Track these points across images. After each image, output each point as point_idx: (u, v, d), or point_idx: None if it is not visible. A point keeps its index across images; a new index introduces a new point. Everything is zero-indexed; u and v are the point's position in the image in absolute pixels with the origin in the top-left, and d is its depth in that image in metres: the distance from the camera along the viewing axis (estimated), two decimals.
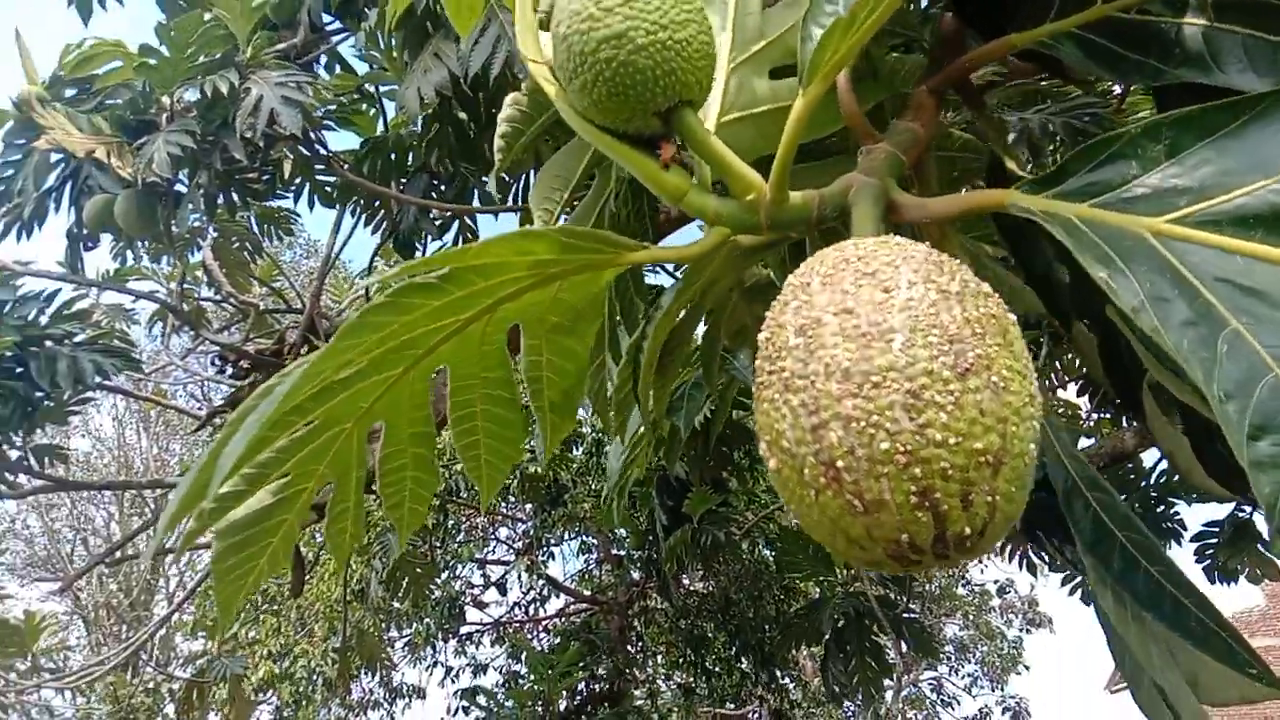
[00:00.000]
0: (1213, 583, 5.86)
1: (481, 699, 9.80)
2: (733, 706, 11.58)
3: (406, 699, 12.73)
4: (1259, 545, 5.50)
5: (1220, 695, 0.78)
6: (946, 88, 0.82)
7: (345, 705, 12.42)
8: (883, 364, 0.59)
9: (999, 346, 0.60)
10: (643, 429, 2.86)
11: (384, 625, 10.45)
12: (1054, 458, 0.68)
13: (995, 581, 17.29)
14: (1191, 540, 5.72)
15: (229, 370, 4.95)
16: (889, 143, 0.78)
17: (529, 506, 10.19)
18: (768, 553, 9.32)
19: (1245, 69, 0.65)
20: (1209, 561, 5.74)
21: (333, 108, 4.52)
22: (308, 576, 9.15)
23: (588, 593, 11.77)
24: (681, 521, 7.15)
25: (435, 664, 12.42)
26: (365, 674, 11.57)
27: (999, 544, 0.63)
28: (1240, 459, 0.50)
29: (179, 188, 4.52)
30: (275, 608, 10.03)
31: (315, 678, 9.29)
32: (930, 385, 0.58)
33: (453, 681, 12.41)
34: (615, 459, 3.05)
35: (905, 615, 6.66)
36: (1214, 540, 5.68)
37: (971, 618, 17.06)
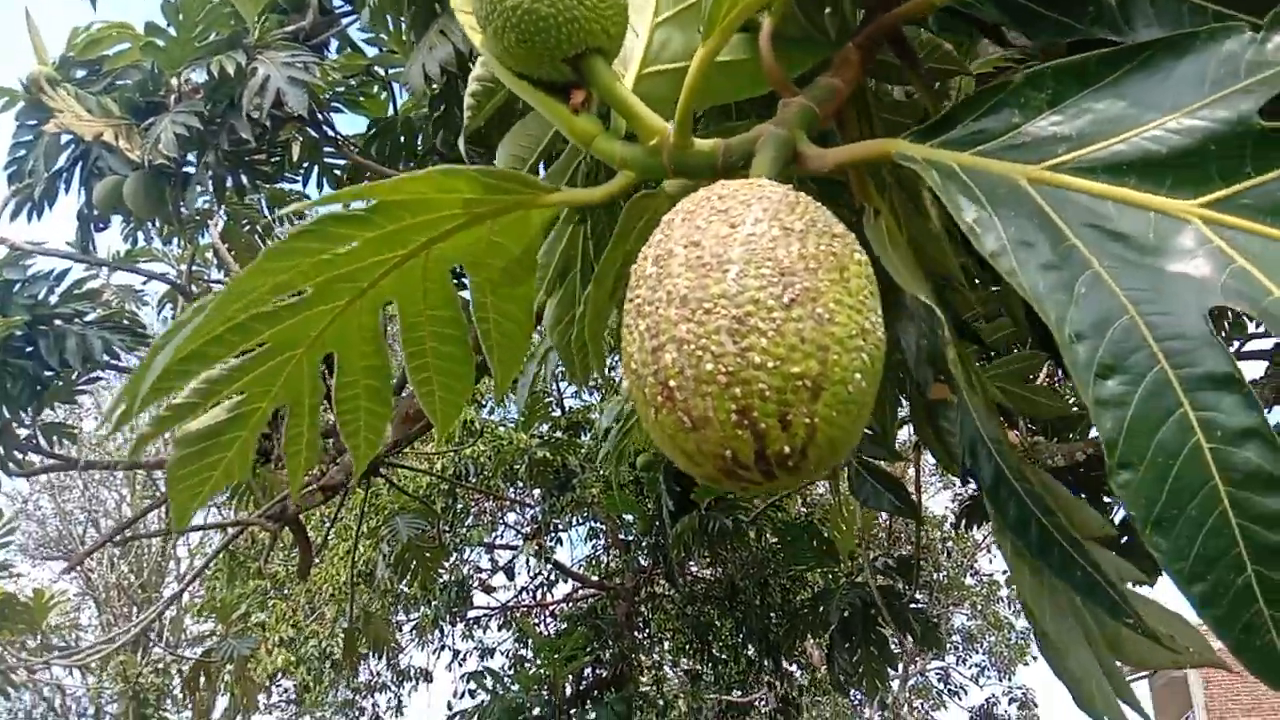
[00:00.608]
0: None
1: (488, 682, 9.85)
2: (739, 694, 11.62)
3: (413, 682, 12.84)
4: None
5: (1145, 657, 0.79)
6: (875, 43, 0.83)
7: (352, 688, 12.54)
8: (716, 292, 0.63)
9: (831, 282, 0.64)
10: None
11: (391, 608, 10.52)
12: (962, 408, 0.69)
13: (1004, 572, 17.23)
14: None
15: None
16: (805, 96, 0.80)
17: (537, 491, 10.24)
18: (775, 541, 9.33)
19: (1152, 25, 0.66)
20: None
21: (341, 90, 4.54)
22: (316, 560, 9.22)
23: (595, 578, 11.82)
24: (689, 508, 7.18)
25: (442, 647, 12.51)
26: (372, 657, 11.67)
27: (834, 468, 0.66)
28: (1085, 398, 0.51)
29: (187, 169, 4.56)
30: (285, 592, 10.12)
31: (325, 660, 9.37)
32: (755, 313, 0.62)
33: (459, 665, 12.51)
34: (607, 418, 3.06)
35: (911, 606, 6.67)
36: None
37: (979, 608, 17.03)
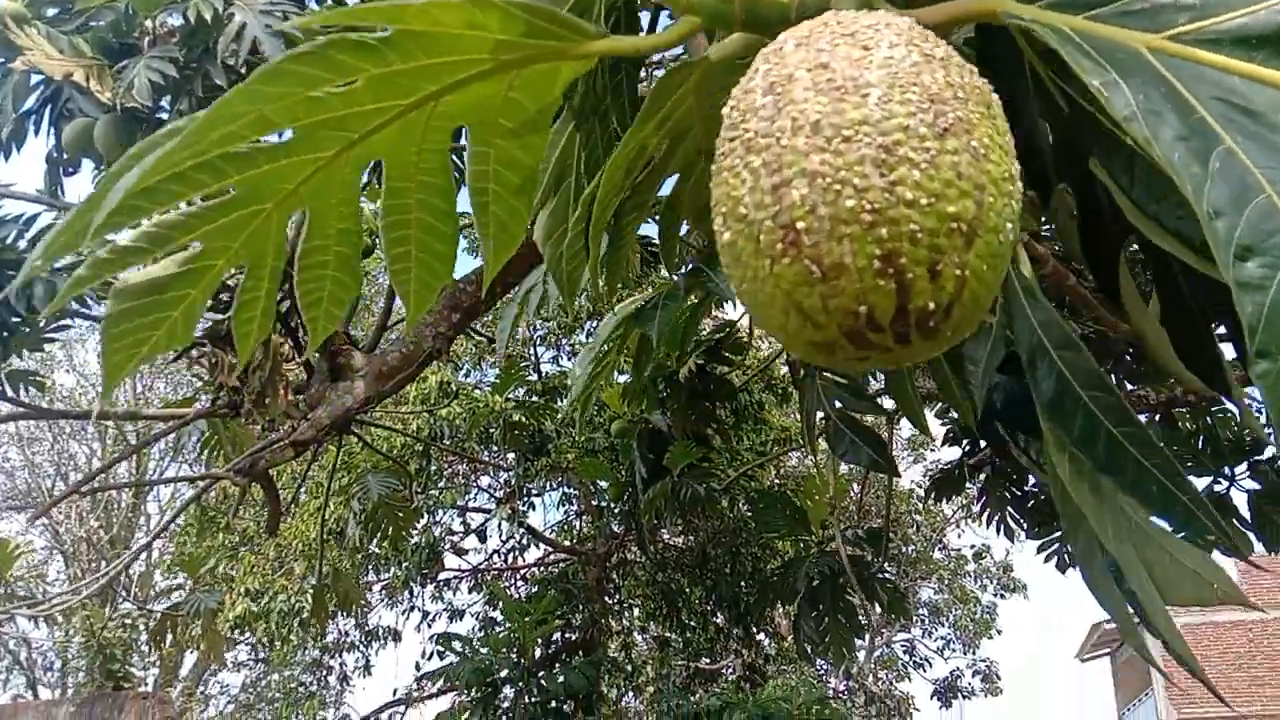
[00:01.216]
0: None
1: (457, 644, 9.86)
2: (708, 661, 11.71)
3: (382, 641, 12.84)
4: (1234, 520, 5.53)
5: (1175, 592, 0.76)
6: None
7: (320, 646, 12.52)
8: (856, 117, 0.55)
9: (981, 115, 0.57)
10: (609, 346, 2.83)
11: (361, 568, 10.49)
12: (1020, 314, 0.65)
13: (971, 547, 17.46)
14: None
15: (209, 302, 4.90)
16: None
17: (511, 455, 10.20)
18: (747, 510, 9.37)
19: None
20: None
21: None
22: (286, 516, 9.15)
23: (567, 544, 11.83)
24: (662, 474, 7.17)
25: (412, 608, 12.51)
26: (341, 616, 11.64)
27: (967, 334, 0.59)
28: (1226, 277, 0.47)
29: (160, 115, 4.44)
30: (255, 547, 10.06)
31: (292, 617, 9.34)
32: (905, 141, 0.54)
33: (428, 626, 12.52)
34: (580, 365, 3.02)
35: (879, 576, 6.71)
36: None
37: (946, 582, 17.24)
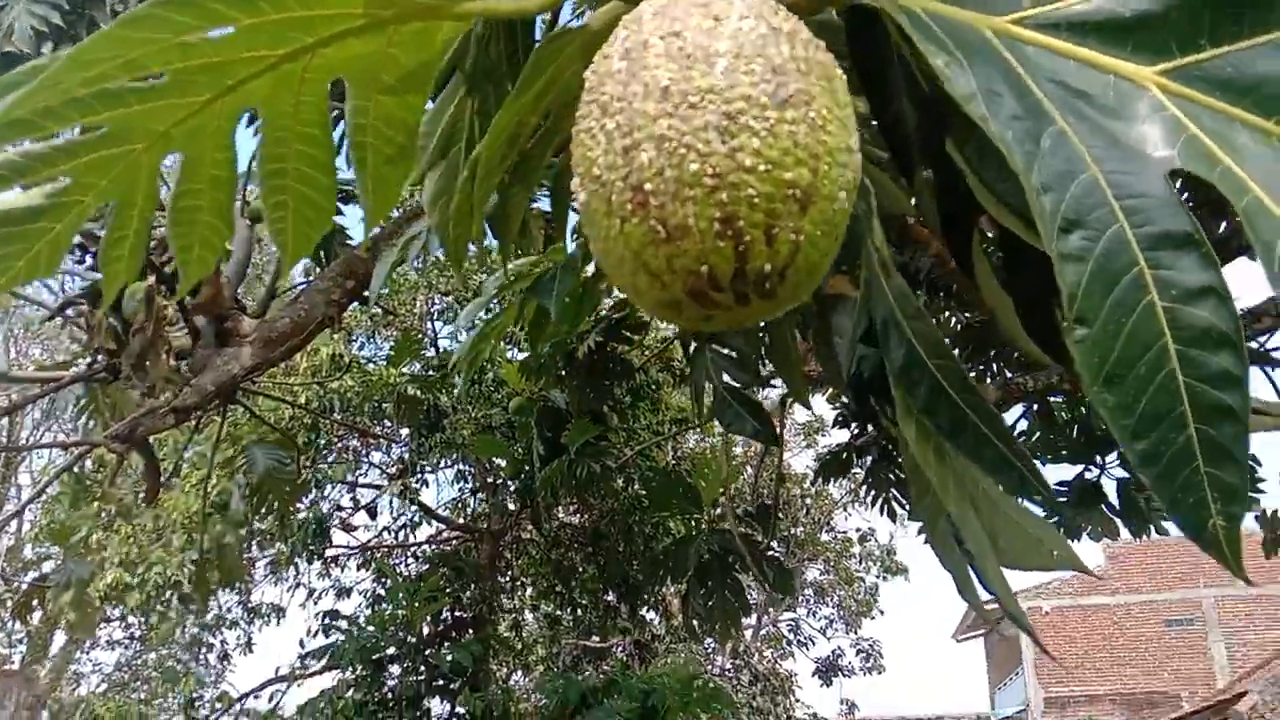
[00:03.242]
0: None
1: (343, 623, 9.69)
2: (597, 639, 11.79)
3: (265, 618, 12.54)
4: (1103, 507, 5.81)
5: (1017, 558, 0.80)
6: None
7: (200, 623, 12.16)
8: (702, 85, 0.58)
9: (822, 88, 0.60)
10: (499, 308, 2.81)
11: (245, 543, 10.20)
12: (877, 286, 0.68)
13: (857, 530, 17.98)
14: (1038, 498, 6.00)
15: (88, 260, 4.70)
16: None
17: (405, 431, 10.05)
18: (641, 489, 9.44)
19: None
20: (1057, 519, 6.04)
21: None
22: (166, 487, 8.84)
23: (460, 521, 11.73)
24: (559, 452, 7.16)
25: (297, 585, 12.25)
26: (223, 591, 11.32)
27: (802, 295, 0.62)
28: (1049, 249, 0.50)
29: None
30: (132, 518, 9.68)
31: (169, 591, 9.03)
32: (747, 110, 0.57)
33: (314, 603, 12.29)
34: (465, 319, 2.99)
35: (768, 555, 6.85)
36: (1063, 499, 5.96)
37: (832, 563, 17.72)
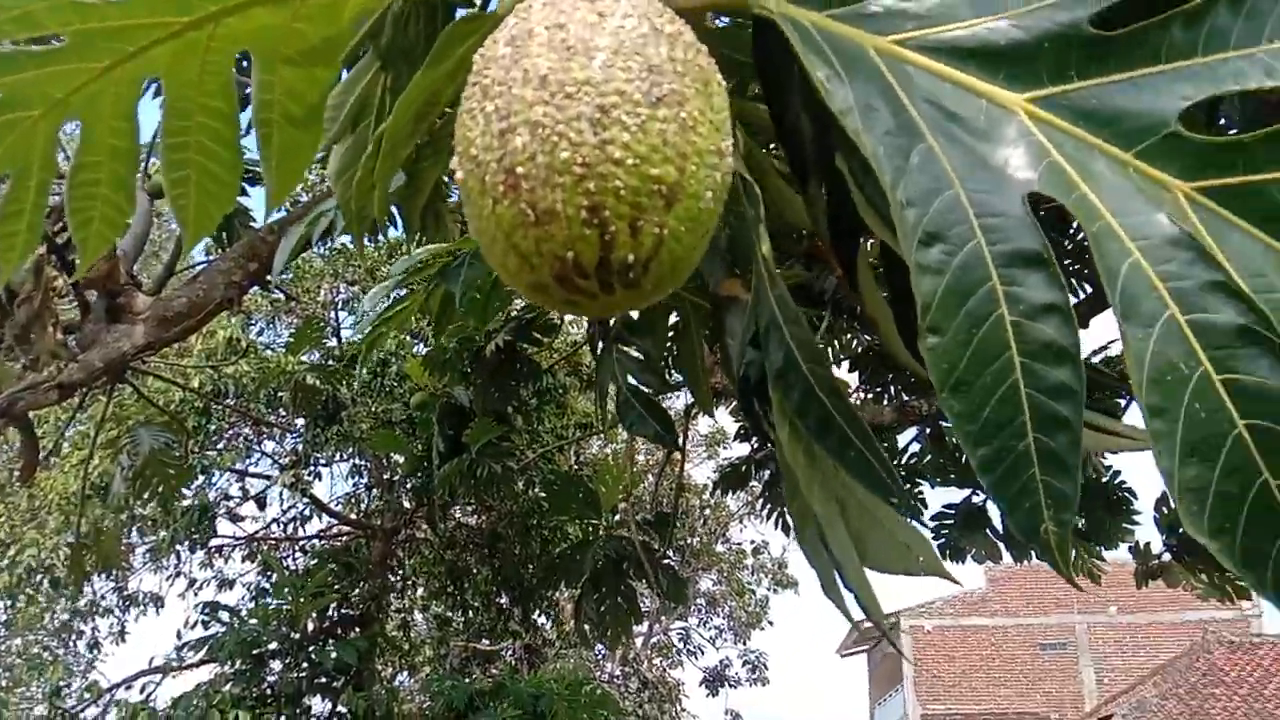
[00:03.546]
0: (943, 558, 6.35)
1: (224, 615, 9.41)
2: (488, 642, 11.69)
3: (142, 607, 12.09)
4: (987, 531, 6.00)
5: (884, 562, 0.83)
6: None
7: (72, 609, 11.66)
8: (580, 77, 0.60)
9: (697, 92, 0.62)
10: (412, 294, 2.77)
11: (126, 527, 9.83)
12: (761, 290, 0.70)
13: (752, 542, 18.23)
14: (930, 519, 6.16)
15: None
16: None
17: (301, 421, 9.81)
18: (541, 493, 9.40)
19: None
20: (943, 540, 6.21)
21: None
22: (44, 466, 8.46)
23: (353, 517, 11.50)
24: (460, 451, 7.08)
25: (178, 574, 11.86)
26: (99, 577, 10.88)
27: (666, 291, 0.65)
28: (908, 260, 0.53)
29: None
30: (5, 497, 9.25)
31: (40, 575, 8.64)
32: (620, 105, 0.59)
33: (195, 594, 11.91)
34: (370, 301, 2.94)
35: (663, 563, 6.88)
36: (950, 521, 6.13)
37: (725, 574, 17.92)
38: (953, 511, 6.15)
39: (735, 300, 0.79)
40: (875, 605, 0.76)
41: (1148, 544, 6.36)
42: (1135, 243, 0.52)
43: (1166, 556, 6.32)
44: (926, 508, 6.05)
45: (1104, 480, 5.76)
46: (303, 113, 0.90)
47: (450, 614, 11.49)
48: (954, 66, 0.59)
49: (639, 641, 16.73)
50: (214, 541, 11.56)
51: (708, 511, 15.83)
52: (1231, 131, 0.56)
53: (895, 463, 5.86)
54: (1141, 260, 0.51)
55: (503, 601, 10.77)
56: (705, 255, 0.83)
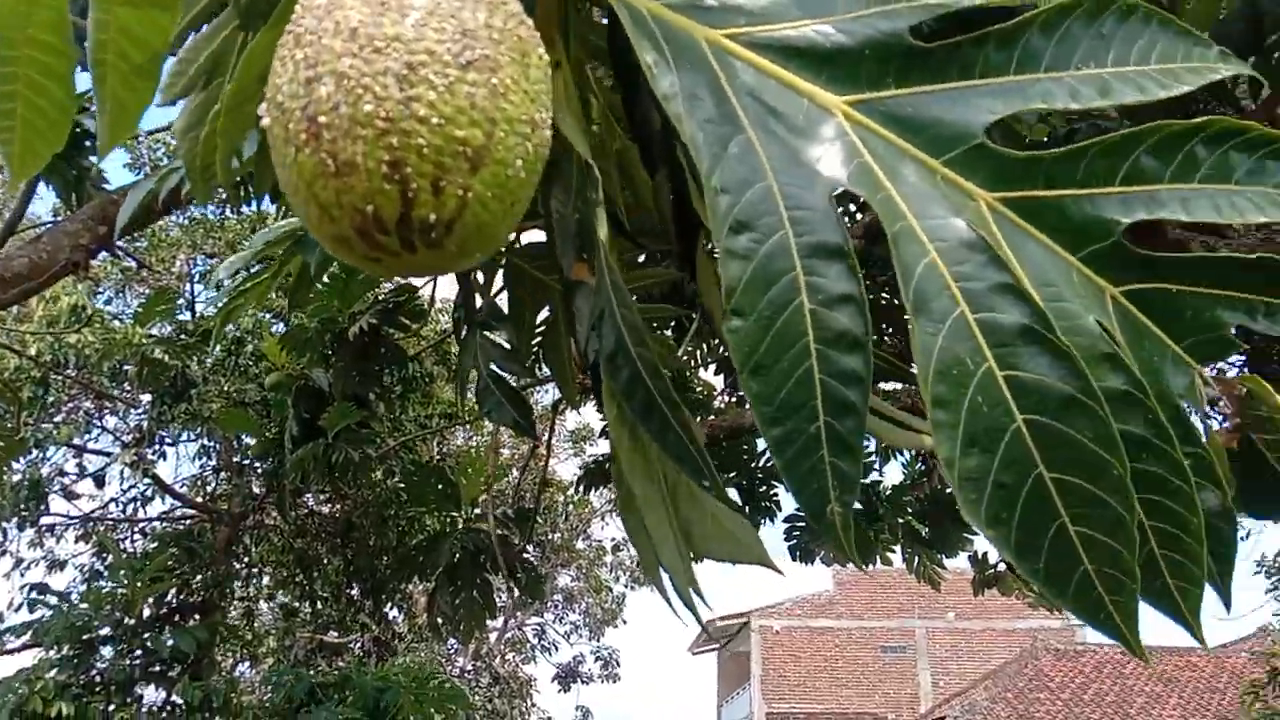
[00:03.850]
0: (794, 560, 6.52)
1: (52, 598, 8.89)
2: (336, 634, 11.40)
3: None
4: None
5: (711, 549, 0.85)
6: None
7: None
8: (390, 33, 0.60)
9: (513, 61, 0.63)
10: (264, 264, 2.68)
11: None
12: (600, 273, 0.71)
13: (612, 539, 18.32)
14: (783, 520, 6.33)
15: None
16: None
17: (146, 396, 9.35)
18: (400, 482, 9.21)
19: None
20: (794, 541, 6.39)
21: None
22: None
23: (199, 499, 11.04)
24: (315, 435, 6.87)
25: (3, 553, 11.16)
26: None
27: (478, 258, 0.65)
28: (718, 245, 0.54)
29: None
30: None
31: None
32: (429, 64, 0.60)
33: (20, 574, 11.24)
34: (226, 271, 2.83)
35: (521, 558, 6.84)
36: (801, 524, 6.31)
37: (584, 570, 17.97)
38: (804, 515, 6.31)
39: (584, 285, 0.80)
40: (686, 588, 0.78)
41: (985, 553, 6.67)
42: (933, 244, 0.55)
43: (1001, 566, 6.65)
44: (781, 510, 6.22)
45: (949, 490, 6.02)
46: (140, 59, 0.86)
47: (297, 604, 11.16)
48: (780, 64, 0.61)
49: (493, 637, 16.62)
50: (45, 520, 10.93)
51: (570, 508, 15.83)
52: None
53: (754, 465, 5.99)
54: (938, 260, 0.54)
55: (353, 593, 10.51)
56: (560, 236, 0.84)
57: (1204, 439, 0.59)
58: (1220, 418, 0.69)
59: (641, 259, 1.80)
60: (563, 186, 0.74)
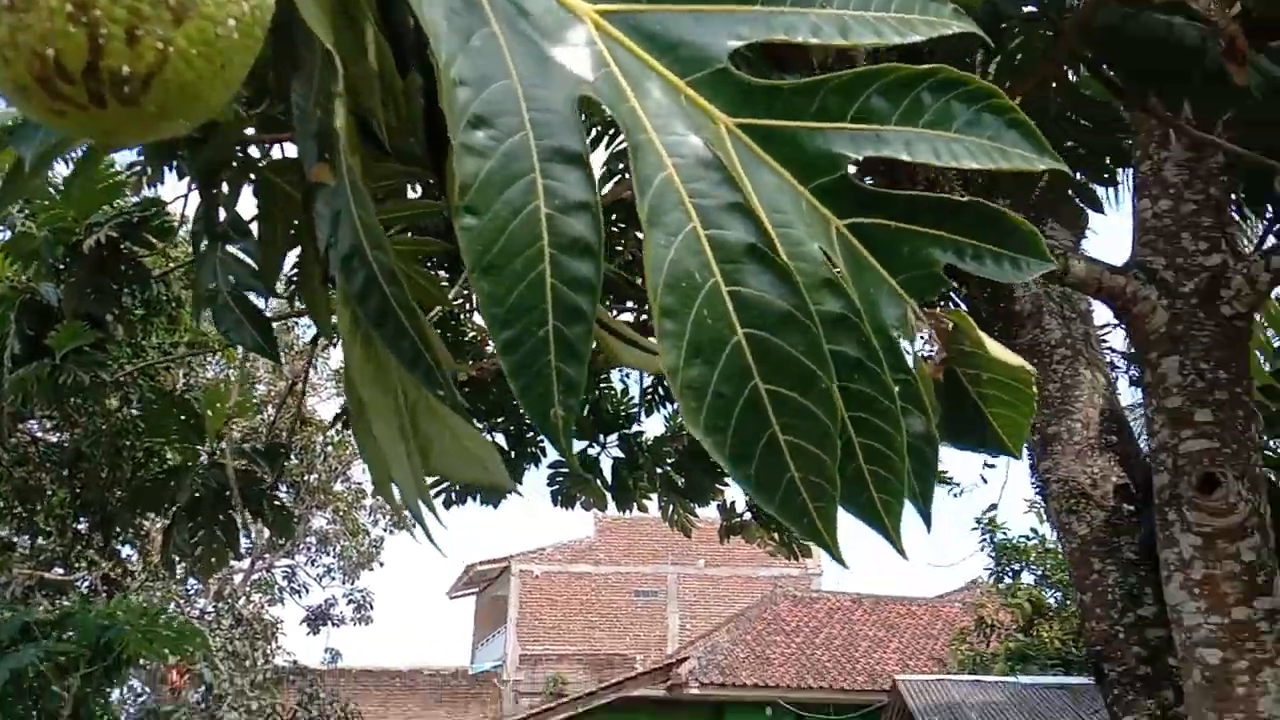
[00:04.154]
0: (556, 505, 6.63)
1: None
2: (61, 571, 10.60)
3: None
4: (597, 481, 6.35)
5: (450, 469, 0.84)
6: None
7: None
8: None
9: None
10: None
11: None
12: (340, 173, 0.68)
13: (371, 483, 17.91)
14: (548, 466, 6.41)
15: None
16: None
17: None
18: (137, 413, 8.59)
19: None
20: (557, 487, 6.49)
21: None
22: None
23: None
24: (40, 355, 6.28)
25: None
26: None
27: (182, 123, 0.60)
28: (453, 138, 0.53)
29: None
30: None
31: None
32: None
33: None
34: None
35: (270, 496, 6.56)
36: (564, 471, 6.40)
37: (342, 513, 17.51)
38: (564, 461, 6.43)
39: (324, 186, 0.76)
40: (416, 502, 0.76)
41: (733, 503, 7.03)
42: (671, 159, 0.55)
43: (748, 516, 7.03)
44: (546, 455, 6.30)
45: None
46: None
47: (15, 538, 10.24)
48: None
49: (238, 578, 15.92)
50: None
51: (330, 449, 15.31)
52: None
53: (521, 410, 6.01)
54: (674, 176, 0.55)
55: (81, 527, 9.76)
56: (301, 133, 0.79)
57: (913, 368, 0.63)
58: (929, 349, 0.74)
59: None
60: (303, 79, 0.70)
